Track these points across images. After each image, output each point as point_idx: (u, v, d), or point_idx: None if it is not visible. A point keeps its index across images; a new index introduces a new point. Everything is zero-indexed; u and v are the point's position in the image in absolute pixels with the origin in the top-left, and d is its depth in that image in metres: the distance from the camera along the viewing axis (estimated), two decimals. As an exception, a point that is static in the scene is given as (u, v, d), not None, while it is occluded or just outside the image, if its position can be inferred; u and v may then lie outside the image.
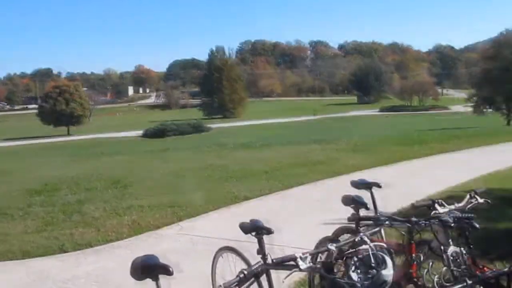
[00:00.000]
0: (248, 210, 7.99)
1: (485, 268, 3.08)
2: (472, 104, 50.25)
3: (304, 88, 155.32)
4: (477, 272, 2.99)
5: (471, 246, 3.03)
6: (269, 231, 3.02)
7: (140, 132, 58.31)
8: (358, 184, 4.05)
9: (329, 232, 5.95)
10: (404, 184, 9.36)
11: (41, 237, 6.91)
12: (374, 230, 2.78)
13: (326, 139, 19.67)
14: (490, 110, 48.71)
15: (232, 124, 72.13)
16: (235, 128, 66.10)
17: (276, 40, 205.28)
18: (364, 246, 2.50)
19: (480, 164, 11.85)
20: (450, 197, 7.99)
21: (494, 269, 3.05)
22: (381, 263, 2.46)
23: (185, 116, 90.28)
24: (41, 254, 6.24)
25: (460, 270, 2.83)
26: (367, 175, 10.63)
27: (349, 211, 6.23)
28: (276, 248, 3.11)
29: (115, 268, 5.54)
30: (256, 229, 3.07)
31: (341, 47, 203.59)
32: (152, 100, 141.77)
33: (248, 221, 3.19)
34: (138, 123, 78.82)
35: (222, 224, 7.21)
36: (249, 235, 3.25)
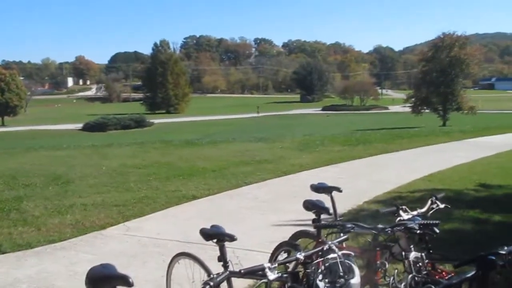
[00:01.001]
0: (197, 210, 7.85)
1: (443, 273, 3.10)
2: (411, 104, 51.86)
3: (248, 85, 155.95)
4: (437, 277, 3.01)
5: (431, 251, 3.05)
6: (232, 238, 2.91)
7: (80, 125, 56.79)
8: (318, 188, 4.00)
9: (282, 233, 5.94)
10: (350, 185, 9.45)
11: (-25, 237, 6.50)
12: (342, 238, 2.73)
13: (271, 137, 19.73)
14: (428, 110, 50.47)
15: (176, 119, 71.41)
16: (178, 124, 65.47)
17: (221, 36, 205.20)
18: (332, 255, 2.45)
19: (423, 164, 12.20)
20: (398, 198, 8.20)
21: (453, 274, 3.08)
22: (349, 272, 2.42)
23: (127, 110, 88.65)
24: (-24, 255, 5.87)
25: (420, 275, 2.83)
26: (314, 174, 10.74)
27: (299, 212, 6.23)
28: (228, 250, 3.00)
29: (59, 271, 5.27)
30: (218, 235, 2.96)
31: (285, 45, 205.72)
32: (92, 92, 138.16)
33: (208, 226, 3.06)
34: (78, 116, 76.75)
35: (171, 225, 7.04)
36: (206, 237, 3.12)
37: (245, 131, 48.05)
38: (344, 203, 7.83)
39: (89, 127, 54.03)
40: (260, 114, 76.99)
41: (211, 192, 9.06)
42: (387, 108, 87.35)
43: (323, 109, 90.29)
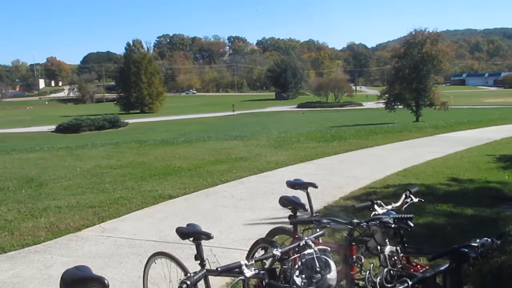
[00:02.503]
0: (174, 210, 7.80)
1: (418, 266, 3.15)
2: (384, 100, 52.38)
3: (223, 84, 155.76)
4: (412, 270, 3.05)
5: (406, 245, 3.09)
6: (208, 236, 2.91)
7: (53, 127, 55.89)
8: (294, 185, 4.02)
9: (259, 230, 5.95)
10: (326, 181, 9.53)
11: None
12: (318, 234, 2.75)
13: (247, 135, 19.73)
14: (401, 106, 51.07)
15: (150, 119, 70.90)
16: (153, 124, 65.00)
17: (195, 35, 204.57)
18: (308, 250, 2.46)
19: (397, 159, 12.36)
20: (373, 193, 8.29)
21: (427, 267, 3.13)
22: (325, 267, 2.44)
23: (100, 111, 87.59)
24: None
25: (396, 269, 2.87)
26: (290, 171, 10.79)
27: (276, 209, 6.25)
28: (205, 248, 3.01)
29: (33, 275, 5.18)
30: (194, 234, 2.95)
31: (259, 43, 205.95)
32: (65, 93, 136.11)
33: (184, 225, 3.05)
34: (50, 117, 75.56)
35: (147, 225, 6.99)
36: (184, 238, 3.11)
37: (220, 130, 47.99)
38: (320, 199, 7.92)
39: (62, 129, 53.20)
40: (236, 112, 76.95)
41: (187, 191, 9.02)
42: (361, 105, 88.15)
43: (298, 106, 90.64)
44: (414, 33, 49.94)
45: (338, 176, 10.31)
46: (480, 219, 6.78)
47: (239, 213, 7.49)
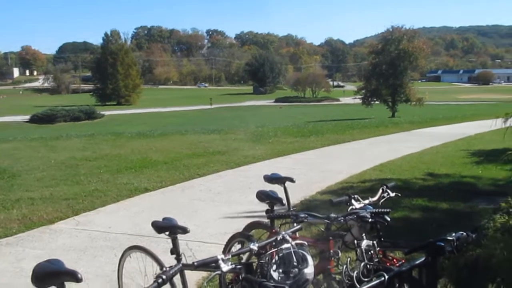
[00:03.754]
0: (149, 203, 7.73)
1: (394, 260, 3.16)
2: (361, 96, 52.81)
3: (201, 77, 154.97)
4: (388, 264, 3.06)
5: (382, 239, 3.10)
6: (184, 231, 2.87)
7: (27, 117, 54.95)
8: (271, 179, 3.99)
9: (236, 225, 5.92)
10: (303, 176, 9.54)
11: None
12: (295, 228, 2.73)
13: (224, 128, 19.66)
14: (377, 102, 51.54)
15: (127, 111, 70.23)
16: (129, 116, 64.38)
17: (173, 27, 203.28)
18: (285, 245, 2.44)
19: (374, 154, 12.45)
20: (350, 188, 8.33)
21: (403, 261, 3.14)
22: (302, 261, 2.42)
23: (76, 102, 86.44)
24: None
25: (372, 263, 2.87)
26: (268, 166, 10.77)
27: (253, 204, 6.22)
28: (181, 242, 2.98)
29: (4, 268, 5.07)
30: (170, 228, 2.90)
31: (237, 37, 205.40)
32: (39, 83, 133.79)
33: (160, 219, 3.00)
34: (24, 107, 74.25)
35: (122, 218, 6.90)
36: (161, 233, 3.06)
37: (198, 123, 47.76)
38: (297, 194, 7.91)
39: (36, 119, 52.33)
40: (213, 106, 76.73)
41: (163, 185, 8.94)
42: (338, 100, 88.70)
43: (276, 101, 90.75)
44: (391, 29, 50.40)
45: (315, 171, 10.33)
46: (455, 213, 6.86)
47: (216, 207, 7.45)
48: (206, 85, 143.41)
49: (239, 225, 4.88)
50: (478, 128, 19.03)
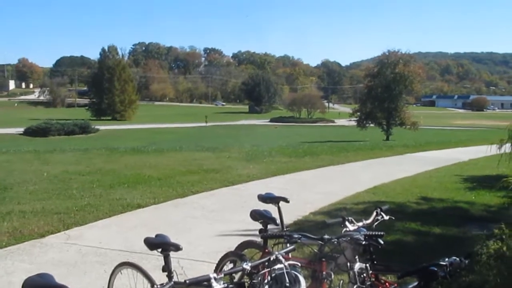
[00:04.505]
0: (142, 219, 7.67)
1: (387, 284, 3.15)
2: (356, 118, 53.02)
3: (197, 94, 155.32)
4: (381, 287, 3.05)
5: (375, 262, 3.09)
6: (177, 248, 2.85)
7: (21, 130, 54.74)
8: (265, 199, 3.99)
9: (229, 243, 5.88)
10: (297, 196, 9.52)
11: None
12: (289, 249, 2.72)
13: (219, 147, 19.65)
14: (372, 125, 51.74)
15: (121, 126, 70.18)
16: (124, 131, 64.29)
17: (171, 44, 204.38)
18: (278, 265, 2.43)
19: (368, 177, 12.47)
20: (343, 209, 8.32)
21: (395, 284, 3.13)
22: (295, 282, 2.41)
23: (71, 115, 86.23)
24: None
25: (365, 286, 2.86)
26: (262, 185, 10.76)
27: (246, 223, 6.18)
28: (172, 260, 2.96)
29: (-7, 281, 5.02)
30: (162, 245, 2.89)
31: (234, 56, 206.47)
32: (35, 96, 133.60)
33: (153, 235, 2.99)
34: (19, 120, 73.99)
35: (114, 234, 6.85)
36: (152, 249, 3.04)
37: (192, 140, 47.71)
38: (290, 214, 7.88)
39: (30, 132, 52.15)
40: (209, 124, 76.80)
41: (156, 201, 8.90)
42: (333, 122, 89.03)
43: (271, 121, 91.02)
44: (387, 53, 50.85)
45: (308, 192, 10.32)
46: (448, 238, 6.86)
47: (209, 225, 7.42)
48: (223, 103, 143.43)
49: (232, 244, 4.84)
50: (472, 154, 19.13)
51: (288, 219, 7.43)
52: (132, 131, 64.20)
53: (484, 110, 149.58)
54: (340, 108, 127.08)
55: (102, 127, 62.29)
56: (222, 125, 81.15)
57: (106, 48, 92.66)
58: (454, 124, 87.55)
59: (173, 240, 2.94)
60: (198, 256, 5.87)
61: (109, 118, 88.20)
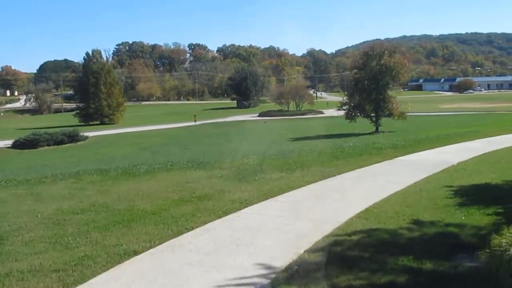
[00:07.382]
0: (139, 272, 7.74)
1: None
2: (345, 110, 53.71)
3: (184, 92, 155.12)
4: None
5: None
6: None
7: (9, 142, 54.71)
8: None
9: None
10: (290, 227, 9.73)
11: None
12: None
13: (210, 161, 19.75)
14: (362, 115, 52.45)
15: (110, 131, 70.22)
16: (113, 137, 64.40)
17: (155, 42, 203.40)
18: None
19: (358, 194, 12.70)
20: (337, 244, 8.48)
21: None
22: None
23: (59, 122, 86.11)
24: None
25: None
26: (254, 213, 10.91)
27: (243, 268, 6.27)
28: None
29: None
30: None
31: (220, 50, 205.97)
32: (21, 104, 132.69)
33: None
34: (6, 130, 73.87)
35: (112, 294, 6.95)
36: None
37: (182, 144, 47.88)
38: (285, 252, 8.08)
39: (19, 144, 52.02)
40: (198, 123, 76.98)
41: (152, 244, 8.98)
42: (322, 113, 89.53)
43: (260, 115, 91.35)
44: (373, 45, 51.30)
45: (301, 219, 10.46)
46: (439, 275, 7.05)
47: (206, 273, 7.53)
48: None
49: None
50: (461, 154, 19.47)
51: (282, 261, 7.60)
52: (121, 136, 64.26)
53: (471, 91, 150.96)
54: (328, 97, 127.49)
55: (91, 134, 62.33)
56: (211, 123, 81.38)
57: (90, 52, 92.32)
58: (441, 109, 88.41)
59: None
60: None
61: (98, 122, 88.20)
